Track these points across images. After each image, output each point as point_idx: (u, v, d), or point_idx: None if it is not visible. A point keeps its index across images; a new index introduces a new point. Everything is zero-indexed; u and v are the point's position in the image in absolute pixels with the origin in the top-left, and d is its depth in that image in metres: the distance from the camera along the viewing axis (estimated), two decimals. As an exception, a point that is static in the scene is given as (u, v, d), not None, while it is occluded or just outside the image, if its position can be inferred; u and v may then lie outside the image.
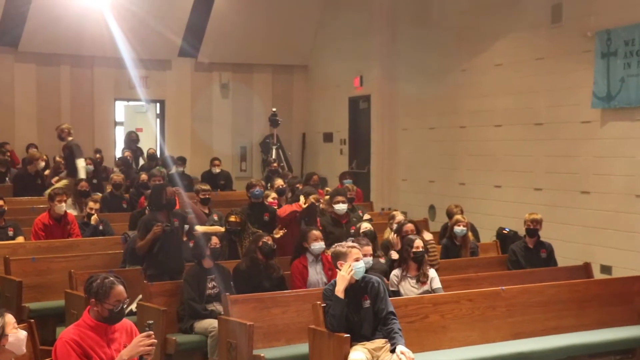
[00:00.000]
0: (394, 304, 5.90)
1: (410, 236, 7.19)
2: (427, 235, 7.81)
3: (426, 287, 6.88)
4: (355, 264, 5.72)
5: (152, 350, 4.27)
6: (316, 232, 7.58)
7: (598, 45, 9.88)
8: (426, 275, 6.89)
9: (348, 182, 12.10)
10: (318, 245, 7.44)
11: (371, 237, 7.69)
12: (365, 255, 5.96)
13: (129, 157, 14.29)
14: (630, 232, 9.50)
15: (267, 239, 7.39)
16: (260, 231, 8.13)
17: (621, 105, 9.64)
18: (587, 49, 10.06)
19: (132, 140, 15.09)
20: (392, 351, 5.58)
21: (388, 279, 6.95)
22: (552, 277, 7.70)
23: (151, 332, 4.29)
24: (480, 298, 6.68)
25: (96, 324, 4.39)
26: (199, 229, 9.08)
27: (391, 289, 6.81)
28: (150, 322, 4.38)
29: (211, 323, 6.81)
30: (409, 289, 6.90)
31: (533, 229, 8.35)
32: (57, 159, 13.05)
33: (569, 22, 10.51)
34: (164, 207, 7.91)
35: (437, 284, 6.93)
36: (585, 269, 8.21)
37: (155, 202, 8.06)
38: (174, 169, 12.80)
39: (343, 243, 5.99)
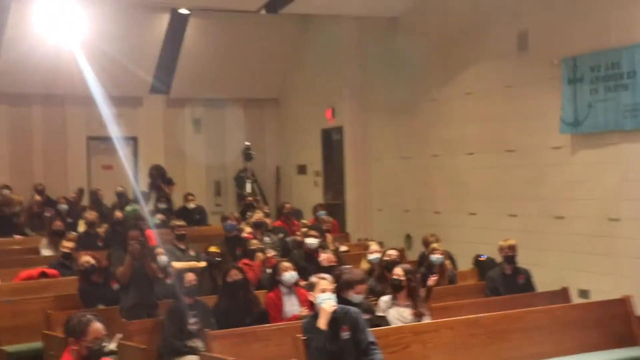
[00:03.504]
0: (374, 334, 5.87)
1: (397, 262, 7.32)
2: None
3: (419, 319, 6.86)
4: (320, 295, 5.71)
5: None
6: (286, 263, 7.67)
7: (565, 71, 10.04)
8: (421, 312, 6.89)
9: (322, 214, 12.20)
10: (288, 275, 7.50)
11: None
12: (324, 291, 5.77)
13: (99, 194, 14.25)
14: (605, 256, 9.59)
15: (232, 275, 7.37)
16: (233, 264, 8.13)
17: (589, 130, 9.78)
18: (554, 75, 10.22)
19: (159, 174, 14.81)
20: None
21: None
22: (530, 302, 7.70)
23: None
24: (461, 326, 6.65)
25: (76, 365, 4.34)
26: (176, 265, 9.08)
27: (378, 314, 6.83)
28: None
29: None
30: (396, 317, 6.90)
31: (511, 255, 8.40)
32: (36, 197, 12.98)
33: (535, 49, 10.69)
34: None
35: (427, 318, 6.94)
36: (563, 294, 8.23)
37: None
38: (147, 205, 12.74)
39: (315, 275, 6.00)
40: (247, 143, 15.49)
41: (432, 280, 8.07)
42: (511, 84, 11.13)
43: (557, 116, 10.17)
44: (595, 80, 9.65)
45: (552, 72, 10.26)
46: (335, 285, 6.19)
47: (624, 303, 7.43)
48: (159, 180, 14.37)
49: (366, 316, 6.27)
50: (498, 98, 11.39)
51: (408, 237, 13.29)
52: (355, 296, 6.26)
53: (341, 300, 6.02)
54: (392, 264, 7.84)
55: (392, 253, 8.34)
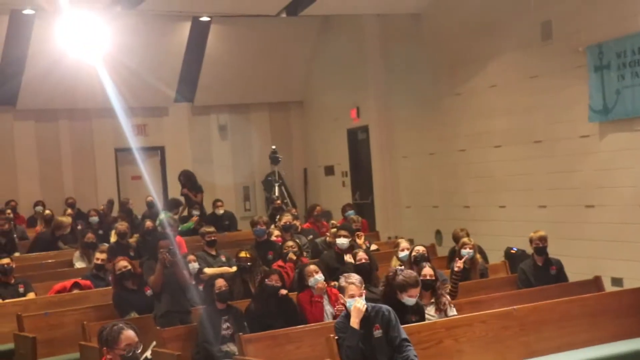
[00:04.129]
0: (406, 331, 5.83)
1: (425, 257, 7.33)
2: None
3: (443, 315, 6.86)
4: (349, 300, 5.71)
5: None
6: (312, 267, 7.67)
7: (590, 59, 9.95)
8: (444, 304, 6.88)
9: (351, 214, 12.18)
10: (313, 280, 7.50)
11: (364, 271, 7.73)
12: (353, 296, 5.72)
13: (129, 204, 14.36)
14: (638, 243, 9.48)
15: (272, 279, 7.40)
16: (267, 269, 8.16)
17: (618, 117, 9.69)
18: (580, 63, 10.14)
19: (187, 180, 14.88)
20: None
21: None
22: (563, 293, 7.65)
23: None
24: (493, 319, 6.62)
25: (113, 374, 4.38)
26: (208, 271, 9.13)
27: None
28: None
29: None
30: (425, 316, 6.78)
31: (542, 247, 8.34)
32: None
33: (559, 38, 10.60)
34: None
35: (452, 311, 6.93)
36: (595, 283, 8.15)
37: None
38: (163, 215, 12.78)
39: (345, 276, 5.96)
40: (273, 147, 15.52)
41: (457, 265, 8.07)
42: (536, 75, 11.05)
43: (583, 104, 10.09)
44: (622, 66, 9.56)
45: (577, 60, 10.19)
46: (386, 289, 6.27)
47: None
48: (188, 186, 14.46)
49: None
50: (523, 89, 11.32)
51: (438, 233, 13.24)
52: (408, 299, 6.25)
53: (392, 301, 6.05)
54: (420, 259, 7.87)
55: (420, 249, 8.33)
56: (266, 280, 7.41)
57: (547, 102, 10.89)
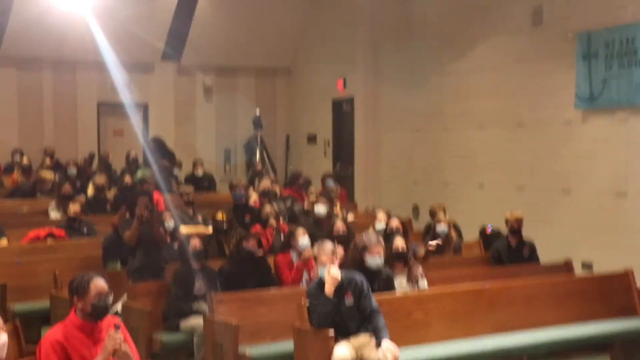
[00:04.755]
0: (378, 301, 5.93)
1: (396, 236, 7.27)
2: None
3: (416, 285, 6.93)
4: (321, 268, 5.80)
5: (120, 344, 4.26)
6: (302, 229, 7.75)
7: (579, 47, 9.99)
8: (416, 275, 6.92)
9: (331, 183, 12.19)
10: (305, 240, 7.55)
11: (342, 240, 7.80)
12: (324, 263, 5.93)
13: (109, 159, 14.29)
14: (610, 230, 9.62)
15: (250, 242, 7.41)
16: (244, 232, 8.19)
17: (603, 106, 9.75)
18: (568, 51, 10.17)
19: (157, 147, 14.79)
20: (378, 346, 5.60)
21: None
22: (533, 274, 7.76)
23: (119, 326, 4.32)
24: (464, 295, 6.71)
25: (82, 324, 4.38)
26: (183, 229, 9.14)
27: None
28: (117, 324, 4.36)
29: (197, 322, 6.82)
30: (397, 287, 6.82)
31: (516, 228, 8.39)
32: None
33: (549, 24, 10.62)
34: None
35: (424, 283, 6.98)
36: (566, 266, 8.25)
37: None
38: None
39: (319, 244, 6.08)
40: (257, 111, 15.48)
41: (431, 246, 8.17)
42: (525, 59, 11.08)
43: (569, 91, 10.15)
44: (609, 56, 9.60)
45: (566, 48, 10.22)
46: (352, 252, 6.31)
47: (625, 276, 7.45)
48: (160, 154, 14.30)
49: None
50: (511, 73, 11.35)
51: (415, 208, 13.32)
52: (372, 258, 6.24)
53: (359, 266, 6.10)
54: (394, 232, 7.91)
55: (395, 222, 8.34)
56: (244, 242, 7.43)
57: (533, 86, 10.93)
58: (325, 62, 15.87)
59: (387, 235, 8.01)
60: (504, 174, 11.44)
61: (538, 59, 10.80)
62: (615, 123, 9.70)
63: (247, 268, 7.32)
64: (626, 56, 9.40)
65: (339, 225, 8.37)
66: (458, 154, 12.50)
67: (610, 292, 7.30)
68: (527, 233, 8.62)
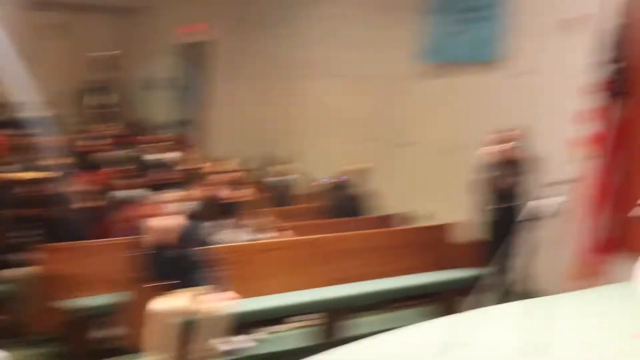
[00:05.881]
0: (215, 251, 5.92)
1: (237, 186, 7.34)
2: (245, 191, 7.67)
3: (250, 237, 6.98)
4: (153, 219, 5.71)
5: None
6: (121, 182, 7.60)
7: (422, 0, 10.10)
8: (259, 226, 7.02)
9: (182, 130, 12.19)
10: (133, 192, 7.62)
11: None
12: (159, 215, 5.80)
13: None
14: (445, 184, 9.84)
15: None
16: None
17: (444, 60, 9.86)
18: (412, 4, 10.26)
19: None
20: (211, 297, 5.59)
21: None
22: (369, 225, 7.99)
23: None
24: (300, 246, 6.85)
25: None
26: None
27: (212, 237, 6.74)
28: None
29: (15, 272, 6.64)
30: (231, 237, 6.95)
31: (356, 180, 8.62)
32: None
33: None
34: None
35: (266, 233, 7.11)
36: (401, 218, 8.58)
37: None
38: None
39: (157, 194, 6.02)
40: (110, 53, 14.96)
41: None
42: (369, 10, 11.12)
43: (412, 45, 10.25)
44: (453, 10, 9.70)
45: (411, 0, 10.31)
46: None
47: (443, 229, 7.87)
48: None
49: None
50: (355, 24, 11.39)
51: (263, 158, 13.34)
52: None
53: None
54: (236, 182, 7.87)
55: (237, 174, 8.39)
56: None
57: (378, 37, 10.97)
58: (180, 5, 15.45)
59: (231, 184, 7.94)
60: (347, 125, 11.54)
61: (384, 11, 10.83)
62: (452, 79, 9.87)
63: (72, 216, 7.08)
64: (470, 11, 9.51)
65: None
66: (304, 104, 12.51)
67: (434, 244, 7.62)
68: (366, 185, 8.77)
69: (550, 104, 8.48)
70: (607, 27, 7.40)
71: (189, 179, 8.56)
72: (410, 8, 10.38)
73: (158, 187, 7.77)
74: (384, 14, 10.96)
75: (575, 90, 7.78)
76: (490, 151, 7.49)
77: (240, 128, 14.29)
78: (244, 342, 6.21)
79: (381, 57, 11.01)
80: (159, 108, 16.08)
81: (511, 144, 7.05)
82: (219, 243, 6.47)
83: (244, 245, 6.76)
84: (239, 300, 5.65)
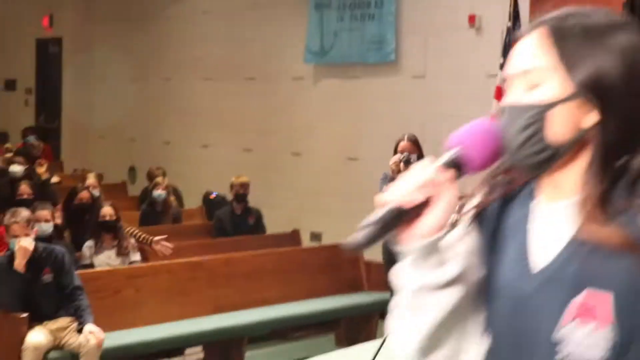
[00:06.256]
0: (81, 277, 5.49)
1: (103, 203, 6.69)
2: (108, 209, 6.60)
3: (127, 259, 6.37)
4: (12, 240, 5.21)
5: None
6: None
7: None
8: (126, 248, 6.36)
9: (32, 139, 11.31)
10: None
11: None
12: (17, 237, 5.21)
13: None
14: (340, 197, 9.19)
15: None
16: None
17: (333, 61, 9.35)
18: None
19: None
20: (80, 331, 5.19)
21: None
22: (259, 245, 7.41)
23: None
24: (180, 269, 6.27)
25: None
26: None
27: (83, 262, 6.23)
28: None
29: None
30: (105, 262, 6.29)
31: (242, 193, 7.94)
32: None
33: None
34: None
35: (135, 256, 6.40)
36: (293, 237, 7.99)
37: None
38: None
39: (11, 212, 5.38)
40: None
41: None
42: (256, 5, 10.35)
43: (302, 44, 9.59)
44: (342, 7, 9.19)
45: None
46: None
47: (341, 248, 7.05)
48: None
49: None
50: (240, 20, 10.56)
51: (132, 170, 12.24)
52: (44, 225, 5.76)
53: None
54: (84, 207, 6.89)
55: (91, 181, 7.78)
56: None
57: (264, 36, 10.25)
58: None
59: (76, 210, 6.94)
60: (231, 133, 10.71)
61: (271, 6, 10.15)
62: (346, 80, 9.34)
63: None
64: (359, 8, 9.03)
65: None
66: (180, 108, 11.52)
67: (338, 265, 7.08)
68: (253, 199, 8.15)
69: (448, 108, 7.99)
70: (502, 30, 7.07)
71: (40, 194, 7.54)
72: (299, 2, 9.75)
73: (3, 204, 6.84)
74: (269, 9, 10.18)
75: (476, 95, 7.46)
76: (391, 162, 6.71)
77: (103, 137, 13.03)
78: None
79: (269, 56, 10.26)
80: (9, 112, 15.01)
81: (405, 154, 6.21)
82: (80, 268, 6.02)
83: (116, 270, 6.14)
84: (102, 334, 5.20)
